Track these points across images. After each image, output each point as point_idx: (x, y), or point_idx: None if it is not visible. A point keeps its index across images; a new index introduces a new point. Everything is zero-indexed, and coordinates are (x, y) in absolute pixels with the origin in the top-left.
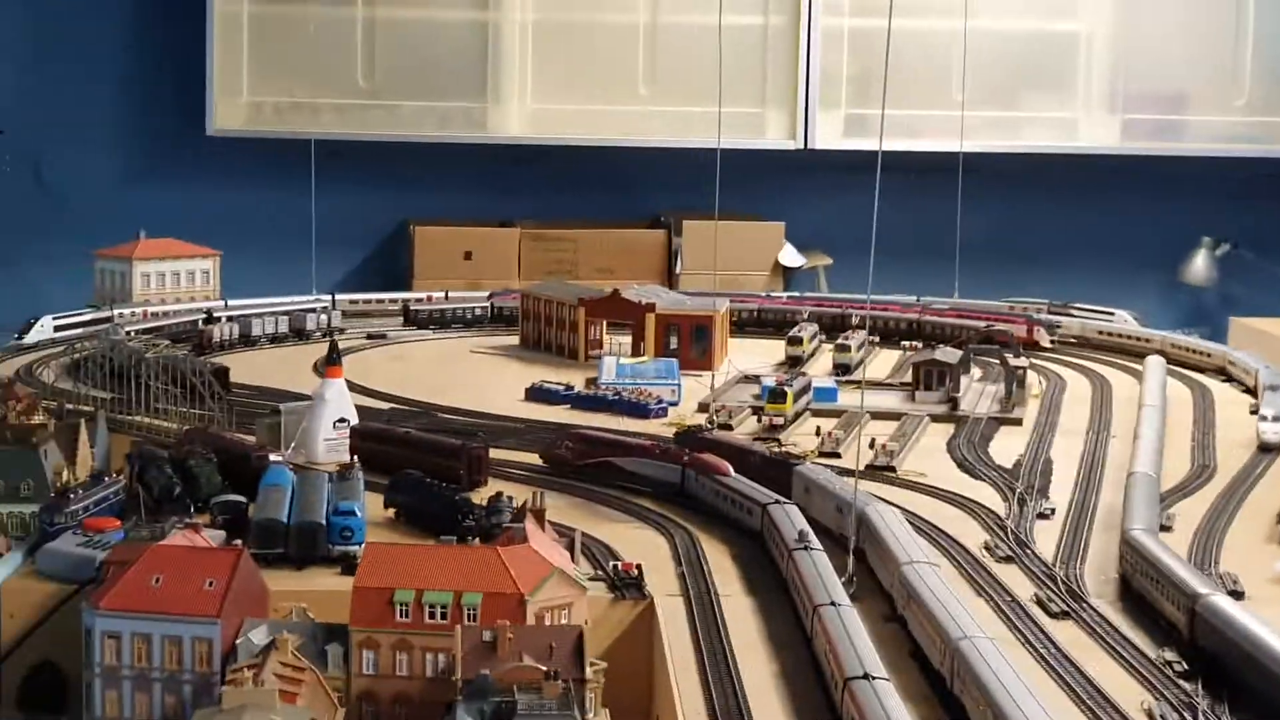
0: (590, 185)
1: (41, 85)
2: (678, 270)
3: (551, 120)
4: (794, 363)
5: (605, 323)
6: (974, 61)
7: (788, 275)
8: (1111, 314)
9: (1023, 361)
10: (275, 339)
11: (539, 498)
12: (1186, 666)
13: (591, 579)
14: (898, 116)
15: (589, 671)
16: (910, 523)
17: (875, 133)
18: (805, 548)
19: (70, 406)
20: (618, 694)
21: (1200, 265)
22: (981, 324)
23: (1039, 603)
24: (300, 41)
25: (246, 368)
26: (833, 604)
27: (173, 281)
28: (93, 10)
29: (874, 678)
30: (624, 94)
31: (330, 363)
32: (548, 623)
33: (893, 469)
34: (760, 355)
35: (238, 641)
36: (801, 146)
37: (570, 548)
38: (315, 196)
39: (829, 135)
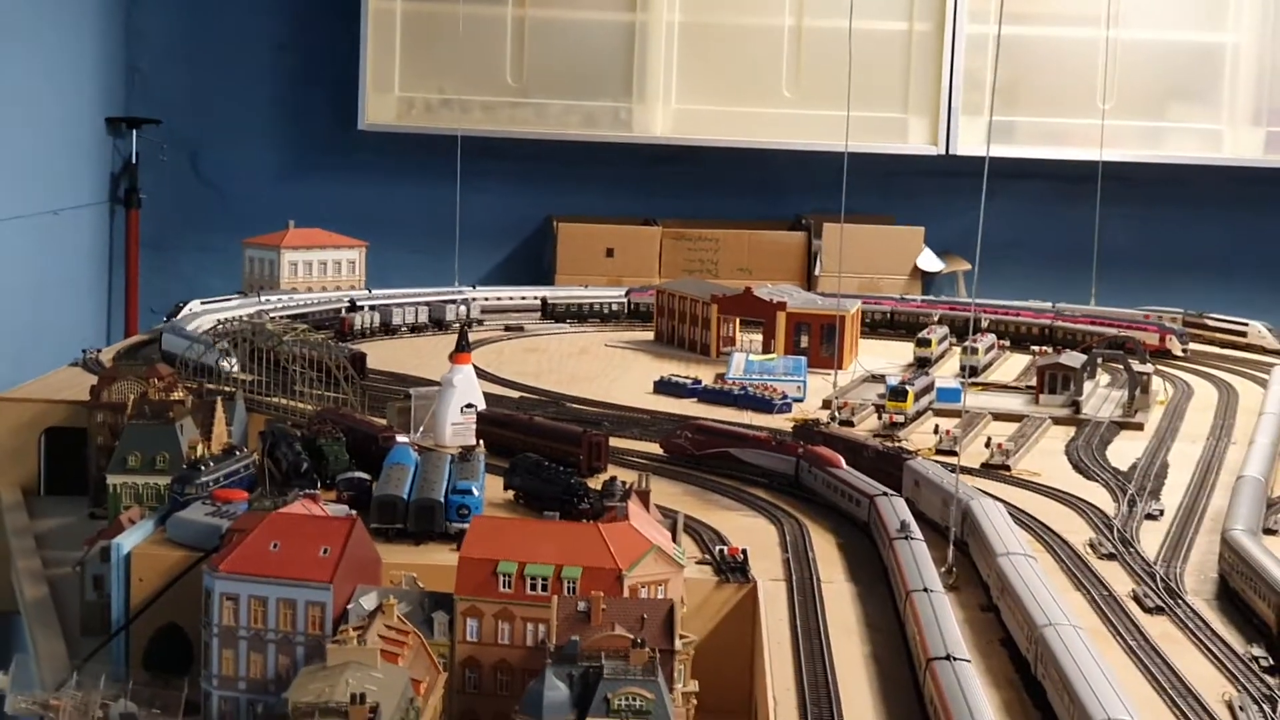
0: (732, 186)
1: (200, 80)
2: (816, 272)
3: (696, 121)
4: (921, 364)
5: (738, 320)
6: (1119, 71)
7: (926, 280)
8: (1246, 325)
9: (1148, 367)
10: (415, 329)
11: (645, 479)
12: (1273, 662)
13: (699, 563)
14: (1040, 124)
15: (678, 643)
16: (1016, 519)
17: (1018, 139)
18: (906, 537)
19: (210, 386)
20: (719, 672)
21: None
22: (1113, 330)
23: (1135, 598)
24: (451, 39)
25: (384, 355)
26: (925, 590)
27: (319, 270)
28: (251, 7)
29: (955, 659)
30: (768, 96)
31: (459, 349)
32: (643, 597)
33: (1007, 468)
34: (889, 356)
35: (348, 606)
36: (943, 152)
37: (673, 529)
38: (461, 191)
39: (971, 141)
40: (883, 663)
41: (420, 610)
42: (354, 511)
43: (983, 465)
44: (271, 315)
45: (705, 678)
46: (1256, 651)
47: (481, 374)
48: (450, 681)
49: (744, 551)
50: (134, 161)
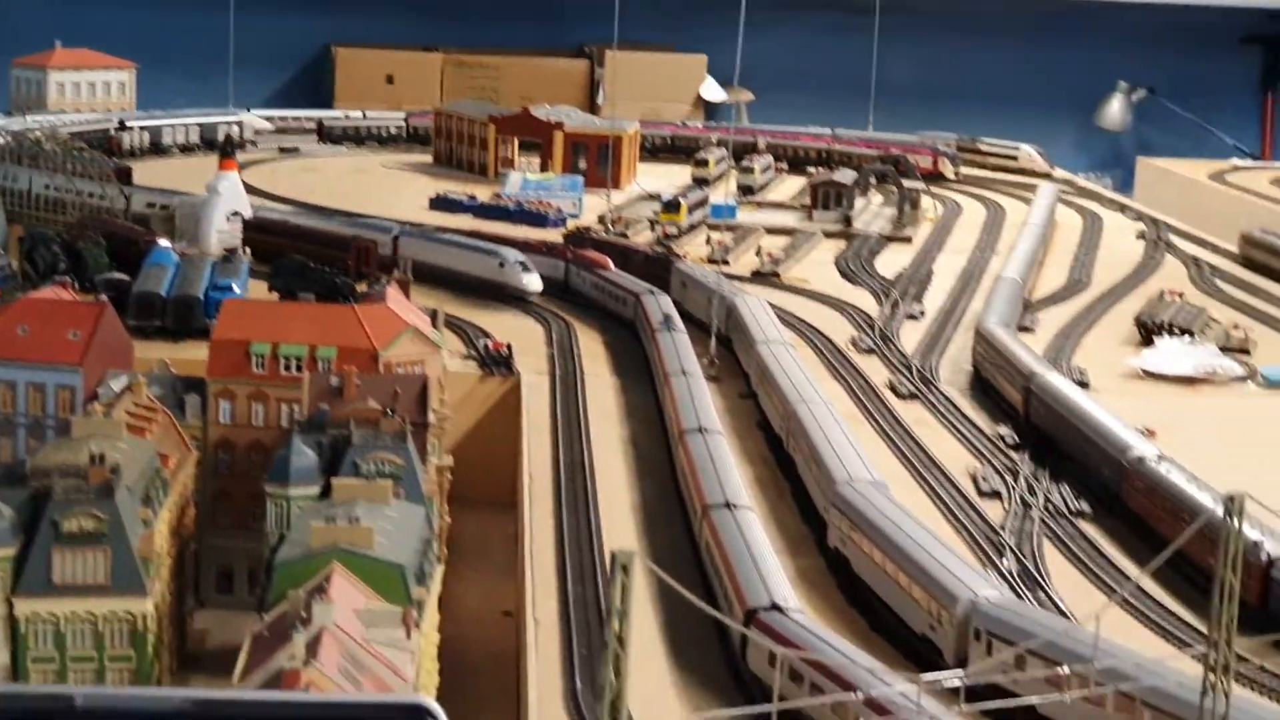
0: (515, 13)
1: None
2: (599, 100)
3: None
4: (699, 184)
5: (516, 141)
6: None
7: (709, 109)
8: (1017, 149)
9: (918, 184)
10: (186, 149)
11: (406, 267)
12: (1018, 440)
13: (465, 358)
14: None
15: (431, 417)
16: (782, 319)
17: None
18: (669, 329)
19: None
20: (485, 465)
21: (1115, 110)
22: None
23: (891, 387)
24: None
25: (154, 173)
26: (683, 373)
27: (88, 92)
28: None
29: (708, 430)
30: None
31: (224, 155)
32: (398, 374)
33: (777, 275)
34: (668, 179)
35: (99, 389)
36: None
37: (433, 317)
38: (237, 16)
39: None
40: (640, 443)
41: (173, 394)
42: (103, 296)
43: (753, 273)
44: (38, 134)
45: (471, 471)
46: (1003, 430)
47: (254, 191)
48: (203, 462)
49: (508, 346)
50: None
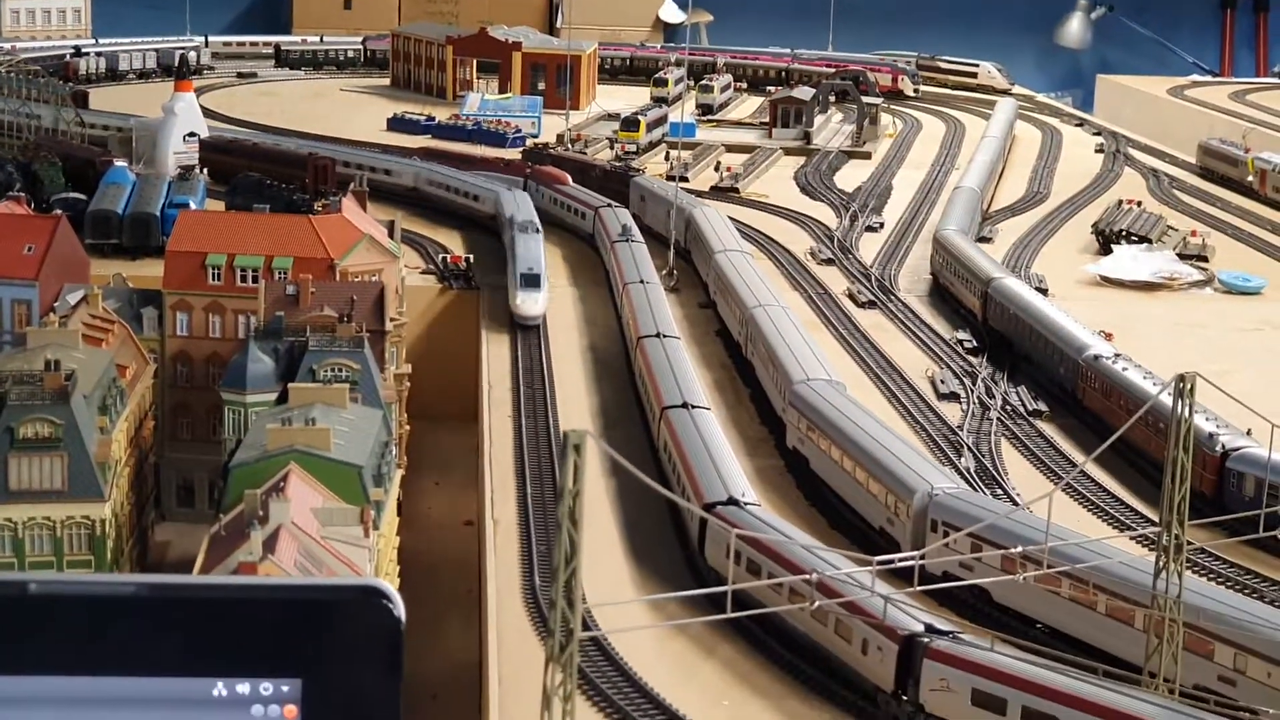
0: None
1: None
2: (559, 24)
3: None
4: (659, 103)
5: (474, 63)
6: None
7: (669, 30)
8: (977, 66)
9: (877, 100)
10: (143, 75)
11: (362, 181)
12: (976, 344)
13: (423, 273)
14: None
15: (389, 324)
16: (741, 232)
17: None
18: (627, 240)
19: None
20: (446, 379)
21: (1075, 28)
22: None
23: (850, 296)
24: None
25: (110, 98)
26: (641, 282)
27: (43, 19)
28: None
29: (665, 335)
30: None
31: (180, 77)
32: (353, 282)
33: (736, 190)
34: (628, 100)
35: (55, 303)
36: None
37: (390, 228)
38: None
39: None
40: (599, 349)
41: (130, 308)
42: (59, 211)
43: (712, 188)
44: None
45: (433, 386)
46: (961, 335)
47: (211, 115)
48: (161, 375)
49: (468, 260)
50: None
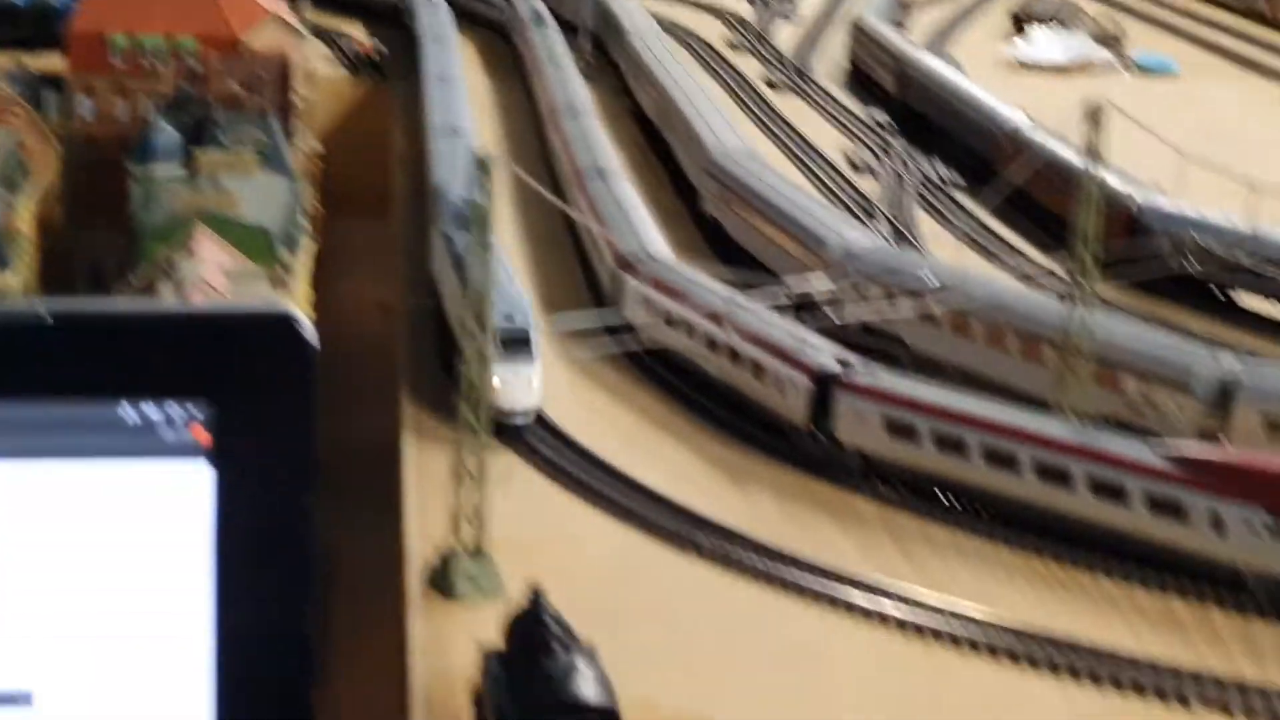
0: None
1: None
2: None
3: None
4: None
5: None
6: None
7: None
8: None
9: None
10: None
11: None
12: (893, 122)
13: (332, 62)
14: None
15: (295, 99)
16: (657, 21)
17: None
18: (539, 25)
19: None
20: (360, 166)
21: None
22: None
23: (767, 81)
24: None
25: None
26: (555, 64)
27: None
28: None
29: (564, 66)
30: None
31: None
32: (258, 57)
33: None
34: None
35: None
36: None
37: (293, 3)
38: None
39: None
40: (514, 133)
41: (31, 92)
42: None
43: None
44: None
45: (346, 178)
46: (877, 114)
47: None
48: (67, 159)
49: (379, 51)
50: None
